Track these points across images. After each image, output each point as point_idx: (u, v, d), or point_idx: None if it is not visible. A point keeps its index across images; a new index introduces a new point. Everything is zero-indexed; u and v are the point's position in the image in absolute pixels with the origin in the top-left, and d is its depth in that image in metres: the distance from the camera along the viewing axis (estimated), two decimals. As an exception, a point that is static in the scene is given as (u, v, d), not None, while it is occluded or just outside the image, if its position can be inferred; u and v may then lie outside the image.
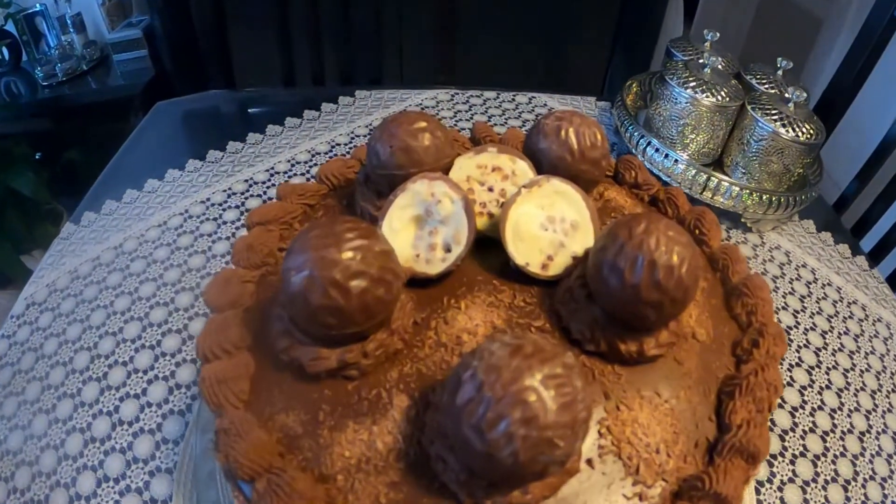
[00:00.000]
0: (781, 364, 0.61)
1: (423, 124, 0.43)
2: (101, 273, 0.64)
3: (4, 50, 1.44)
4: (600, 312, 0.37)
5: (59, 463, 0.49)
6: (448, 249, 0.40)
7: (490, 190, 0.43)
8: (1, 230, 1.29)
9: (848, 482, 0.53)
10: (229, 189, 0.75)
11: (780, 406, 0.57)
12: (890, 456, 0.55)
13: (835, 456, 0.54)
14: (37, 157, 1.39)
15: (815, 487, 0.52)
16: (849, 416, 0.58)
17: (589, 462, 0.33)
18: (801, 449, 0.54)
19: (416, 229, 0.40)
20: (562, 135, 0.45)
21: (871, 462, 0.55)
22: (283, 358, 0.35)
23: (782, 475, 0.52)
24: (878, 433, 0.57)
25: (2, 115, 1.39)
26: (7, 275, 1.31)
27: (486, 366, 0.28)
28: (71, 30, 1.46)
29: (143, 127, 0.87)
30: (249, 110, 0.94)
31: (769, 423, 0.54)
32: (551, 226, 0.41)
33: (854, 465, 0.54)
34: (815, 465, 0.53)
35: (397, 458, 0.32)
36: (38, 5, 1.42)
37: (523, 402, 0.27)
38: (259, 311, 0.39)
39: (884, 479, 0.54)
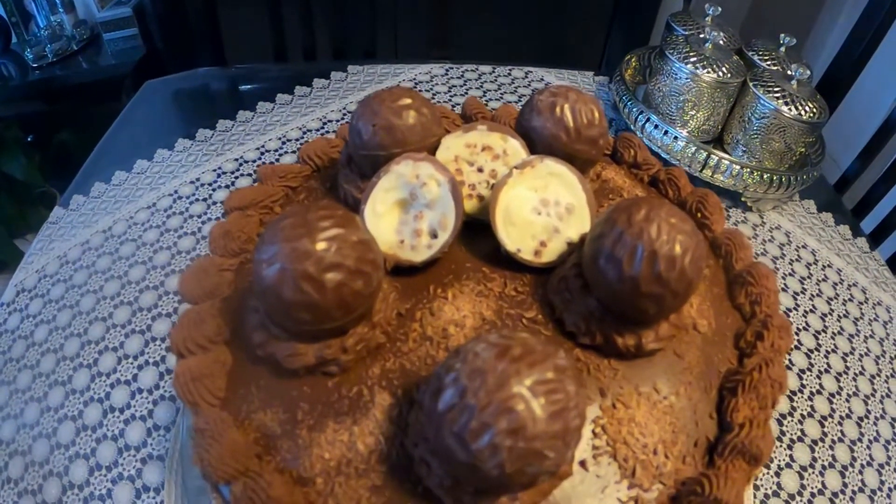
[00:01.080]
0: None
1: (408, 101, 0.40)
2: (91, 257, 0.63)
3: (-6, 32, 1.41)
4: (596, 304, 0.35)
5: (52, 452, 0.49)
6: (434, 235, 0.38)
7: (479, 171, 0.41)
8: (-5, 215, 1.29)
9: (845, 468, 0.52)
10: (219, 168, 0.73)
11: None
12: (888, 442, 0.55)
13: (832, 441, 0.54)
14: (28, 139, 1.37)
15: (813, 473, 0.51)
16: (847, 400, 0.57)
17: (582, 464, 0.32)
18: (799, 434, 0.54)
19: (401, 213, 0.38)
20: (557, 112, 0.42)
21: (868, 448, 0.54)
22: (259, 353, 0.34)
23: (779, 460, 0.52)
24: (876, 418, 0.56)
25: (-8, 99, 1.37)
26: (2, 259, 1.30)
27: (469, 369, 0.26)
28: (60, 9, 1.42)
29: (131, 106, 0.85)
30: (240, 87, 0.92)
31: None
32: (545, 209, 0.39)
33: (852, 450, 0.53)
34: (813, 451, 0.53)
35: (379, 461, 0.31)
36: (27, -14, 1.39)
37: (509, 410, 0.25)
38: (237, 301, 0.37)
39: (881, 465, 0.53)
